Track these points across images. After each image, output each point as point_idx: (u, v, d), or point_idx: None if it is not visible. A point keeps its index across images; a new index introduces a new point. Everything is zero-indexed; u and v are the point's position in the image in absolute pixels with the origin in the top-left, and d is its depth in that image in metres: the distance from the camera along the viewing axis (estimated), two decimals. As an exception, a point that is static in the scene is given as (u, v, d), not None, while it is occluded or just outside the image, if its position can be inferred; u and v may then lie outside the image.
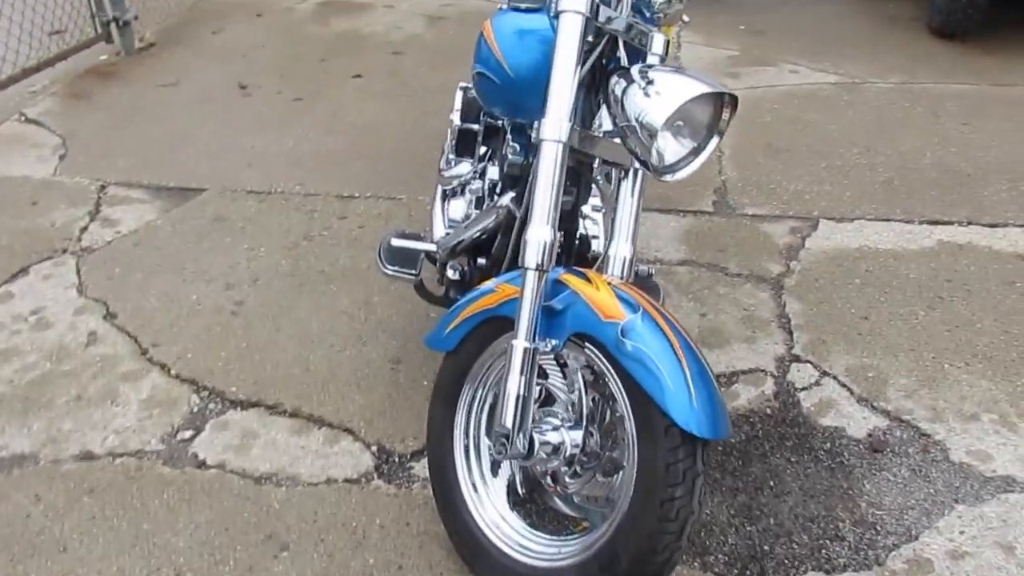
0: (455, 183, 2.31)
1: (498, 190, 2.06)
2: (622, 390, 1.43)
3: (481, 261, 2.04)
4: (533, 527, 1.68)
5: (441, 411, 1.73)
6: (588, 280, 1.49)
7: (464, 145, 2.09)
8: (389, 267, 2.06)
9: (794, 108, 3.73)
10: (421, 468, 1.95)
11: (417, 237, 2.23)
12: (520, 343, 1.48)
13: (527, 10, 1.77)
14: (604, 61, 1.62)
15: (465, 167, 2.26)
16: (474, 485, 1.68)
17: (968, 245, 2.72)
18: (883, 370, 2.19)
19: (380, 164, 3.36)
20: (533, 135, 1.69)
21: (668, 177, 1.52)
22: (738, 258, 2.69)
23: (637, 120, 1.46)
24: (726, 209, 2.96)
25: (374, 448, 2.01)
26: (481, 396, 1.71)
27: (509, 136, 1.86)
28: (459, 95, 2.07)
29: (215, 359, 2.30)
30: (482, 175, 2.22)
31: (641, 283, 1.96)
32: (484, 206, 2.09)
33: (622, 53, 1.58)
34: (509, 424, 1.49)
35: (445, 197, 2.38)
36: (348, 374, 2.24)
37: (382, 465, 1.97)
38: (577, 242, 1.93)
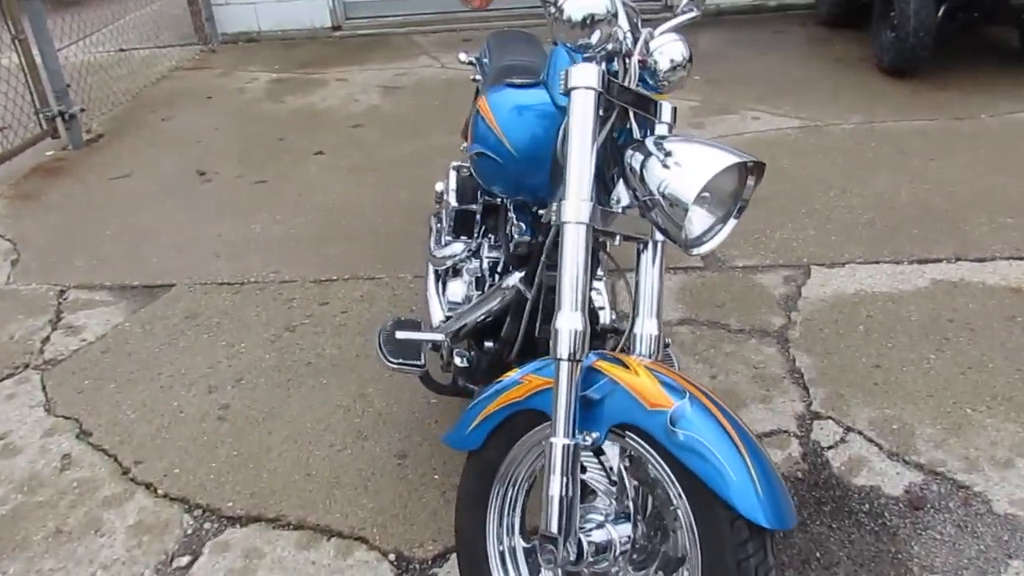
0: (449, 263, 2.21)
1: (499, 270, 1.98)
2: (675, 482, 1.33)
3: (488, 344, 1.95)
4: None
5: (469, 516, 1.60)
6: (625, 365, 1.40)
7: (462, 226, 2.00)
8: (392, 360, 1.94)
9: (764, 154, 3.73)
10: (447, 573, 1.81)
11: (415, 325, 2.12)
12: (559, 440, 1.37)
13: (522, 85, 1.71)
14: (615, 134, 1.56)
15: (458, 247, 2.18)
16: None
17: (961, 282, 2.71)
18: (907, 421, 2.13)
19: (355, 244, 3.25)
20: (545, 214, 1.63)
21: (695, 250, 1.45)
22: (737, 313, 2.63)
23: (663, 194, 1.39)
24: (716, 263, 2.92)
25: (392, 556, 1.86)
26: (512, 496, 1.59)
27: (512, 215, 1.79)
28: (452, 175, 2.00)
29: (206, 472, 2.14)
30: (477, 254, 2.14)
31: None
32: (486, 287, 2.00)
33: (633, 125, 1.52)
34: (555, 529, 1.37)
35: (439, 278, 2.29)
36: (353, 475, 2.10)
37: (403, 574, 1.82)
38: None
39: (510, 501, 1.59)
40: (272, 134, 4.47)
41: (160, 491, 2.08)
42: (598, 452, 1.52)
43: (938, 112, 4.08)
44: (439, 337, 1.89)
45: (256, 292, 2.97)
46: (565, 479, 1.36)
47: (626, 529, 1.45)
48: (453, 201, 1.97)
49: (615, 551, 1.42)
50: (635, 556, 1.44)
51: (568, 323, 1.38)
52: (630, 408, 1.35)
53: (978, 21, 4.50)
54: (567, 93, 1.44)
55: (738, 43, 5.54)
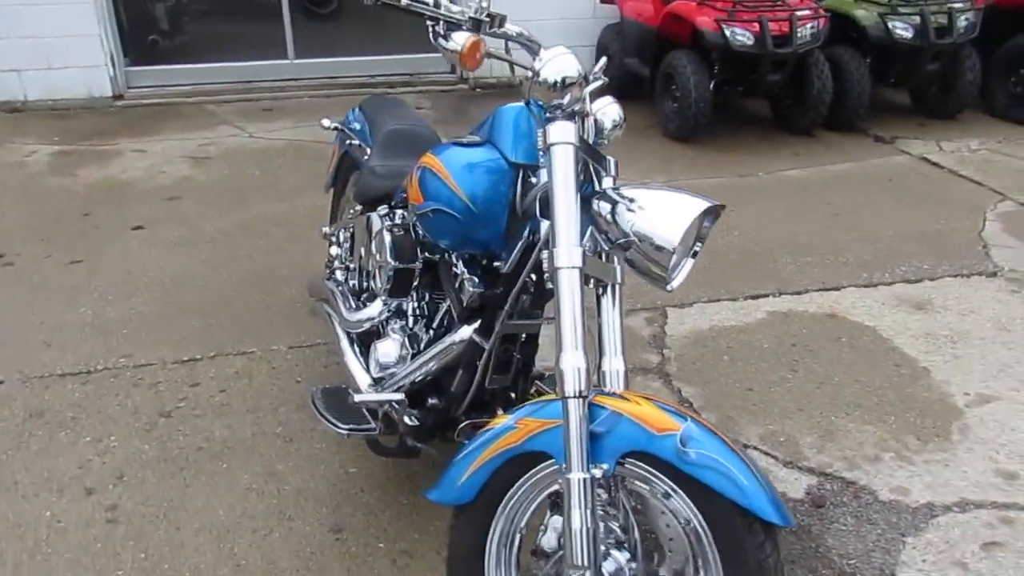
0: (367, 326, 2.18)
1: (435, 325, 1.98)
2: (687, 500, 1.43)
3: (432, 402, 1.94)
4: None
5: (468, 572, 1.58)
6: (624, 398, 1.50)
7: (400, 285, 1.99)
8: (343, 426, 1.87)
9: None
10: (421, 642, 1.75)
11: (342, 391, 2.07)
12: (576, 475, 1.42)
13: (469, 144, 1.78)
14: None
15: (377, 308, 2.15)
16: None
17: (790, 312, 3.14)
18: (789, 433, 2.42)
19: (210, 319, 3.05)
20: (505, 265, 1.71)
21: (670, 286, 1.60)
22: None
23: (643, 237, 1.52)
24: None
25: (359, 635, 1.77)
26: (509, 542, 1.59)
27: (462, 269, 1.82)
28: (387, 236, 1.98)
29: (113, 582, 1.89)
30: (400, 313, 2.13)
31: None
32: (421, 344, 2.00)
33: (593, 176, 1.65)
34: (583, 561, 1.41)
35: (353, 342, 2.24)
36: (290, 558, 1.96)
37: (377, 652, 1.74)
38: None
39: (507, 548, 1.60)
40: (73, 210, 4.05)
41: (62, 612, 1.81)
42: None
43: (724, 171, 4.69)
44: (397, 397, 1.86)
45: (110, 380, 2.67)
46: (587, 511, 1.41)
47: (626, 555, 1.52)
48: (390, 260, 1.96)
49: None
50: (643, 579, 1.52)
51: (572, 362, 1.45)
52: (638, 436, 1.44)
53: (739, 94, 5.26)
54: (546, 149, 1.54)
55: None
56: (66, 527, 2.05)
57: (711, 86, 4.90)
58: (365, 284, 2.50)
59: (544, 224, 1.63)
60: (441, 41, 1.56)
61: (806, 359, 2.81)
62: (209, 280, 3.35)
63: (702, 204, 1.53)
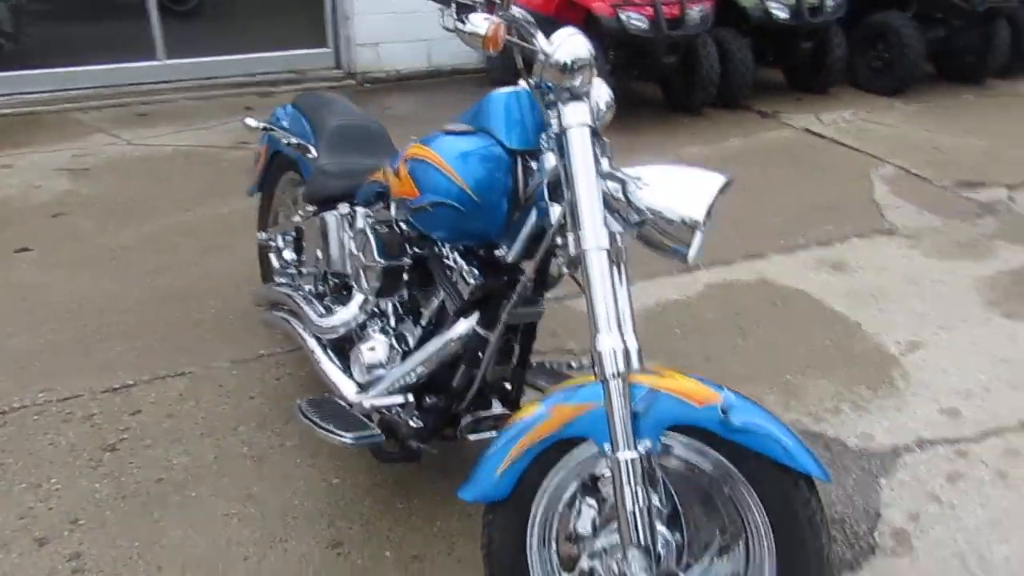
0: (343, 331, 2.08)
1: (425, 323, 1.91)
2: (732, 467, 1.46)
3: (432, 400, 1.88)
4: None
5: (510, 568, 1.54)
6: (659, 374, 1.50)
7: (390, 285, 1.90)
8: (347, 435, 1.77)
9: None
10: (453, 648, 1.70)
11: (329, 400, 1.97)
12: (625, 455, 1.41)
13: (461, 133, 1.72)
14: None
15: (352, 310, 2.06)
16: (579, 631, 1.53)
17: (726, 283, 3.26)
18: (754, 395, 2.48)
19: (135, 341, 2.81)
20: (509, 254, 1.67)
21: (691, 259, 1.61)
22: (572, 338, 2.85)
23: (665, 215, 1.53)
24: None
25: (388, 650, 1.69)
26: (549, 532, 1.57)
27: (460, 262, 1.76)
28: (371, 235, 1.88)
29: (101, 634, 1.71)
30: (378, 313, 2.05)
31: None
32: (412, 343, 1.92)
33: (600, 157, 1.64)
34: (641, 539, 1.41)
35: (326, 349, 2.13)
36: (292, 582, 1.85)
37: (410, 664, 1.67)
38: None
39: (547, 536, 1.57)
40: (-60, 237, 3.63)
41: (47, 676, 1.62)
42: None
43: (627, 153, 4.75)
44: (405, 399, 1.78)
45: (32, 418, 2.41)
46: (640, 489, 1.41)
47: (672, 531, 1.53)
48: (378, 259, 1.86)
49: (675, 551, 1.50)
50: (687, 553, 1.53)
51: (609, 343, 1.44)
52: (680, 410, 1.45)
53: (633, 78, 5.40)
54: (562, 132, 1.51)
55: (445, 105, 5.85)
56: (27, 583, 1.84)
57: (608, 72, 5.01)
58: (321, 288, 2.39)
59: (554, 209, 1.60)
60: (459, 25, 1.50)
61: (751, 325, 2.94)
62: (124, 301, 3.09)
63: (720, 179, 1.55)
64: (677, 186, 1.55)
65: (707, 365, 2.67)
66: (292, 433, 2.34)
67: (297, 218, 2.50)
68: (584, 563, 1.57)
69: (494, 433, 1.92)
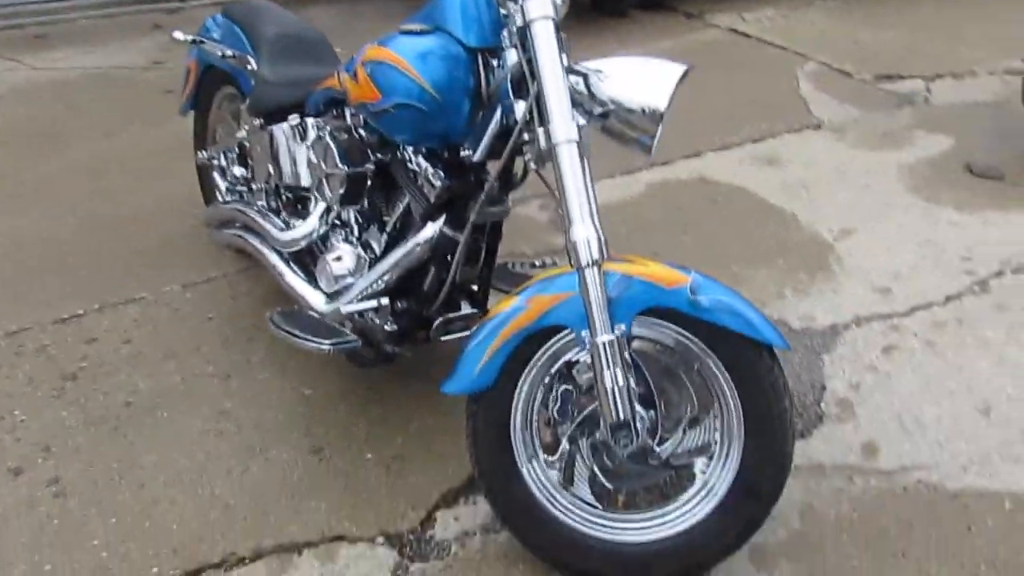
0: (305, 243, 2.07)
1: (390, 229, 1.92)
2: (699, 344, 1.55)
3: (403, 304, 1.91)
4: (639, 507, 1.72)
5: (495, 456, 1.62)
6: (630, 261, 1.57)
7: (354, 192, 1.89)
8: (325, 342, 1.80)
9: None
10: (443, 530, 1.78)
11: (296, 313, 1.98)
12: (603, 338, 1.49)
13: (420, 33, 1.70)
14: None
15: (313, 222, 2.05)
16: (567, 508, 1.63)
17: (666, 182, 3.34)
18: (702, 287, 2.63)
19: (79, 272, 2.73)
20: (476, 153, 1.69)
21: (653, 151, 1.66)
22: (523, 242, 2.90)
23: (627, 106, 1.57)
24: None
25: (380, 540, 1.76)
26: (532, 419, 1.65)
27: (424, 165, 1.77)
28: (332, 143, 1.85)
29: (88, 556, 1.73)
30: (339, 223, 2.05)
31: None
32: (379, 249, 1.94)
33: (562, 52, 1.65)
34: (622, 417, 1.50)
35: (289, 262, 2.13)
36: (279, 487, 1.89)
37: (404, 550, 1.74)
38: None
39: (529, 423, 1.65)
40: None
41: (46, 595, 1.64)
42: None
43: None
44: (381, 302, 1.81)
45: (-18, 353, 2.35)
46: (619, 370, 1.50)
47: (647, 409, 1.62)
48: (341, 166, 1.84)
49: (650, 427, 1.60)
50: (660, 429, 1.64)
51: (583, 232, 1.51)
52: (652, 293, 1.53)
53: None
54: (526, 26, 1.52)
55: (369, 15, 5.65)
56: (5, 514, 1.83)
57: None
58: (274, 203, 2.36)
59: (519, 105, 1.62)
60: None
61: (693, 222, 3.04)
62: (59, 233, 2.98)
63: (679, 68, 1.59)
64: (638, 77, 1.59)
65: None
66: (257, 349, 2.34)
67: (241, 133, 2.44)
68: (564, 445, 1.67)
69: (466, 333, 1.99)
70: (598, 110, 1.61)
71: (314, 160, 1.92)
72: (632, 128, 1.61)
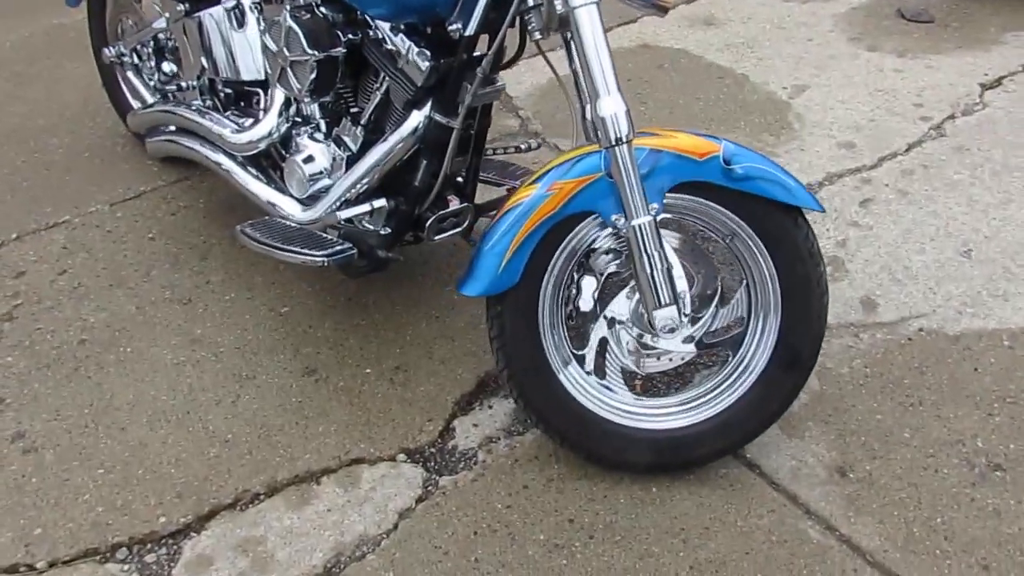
0: (264, 144, 1.84)
1: (366, 121, 1.71)
2: (733, 215, 1.47)
3: (392, 204, 1.74)
4: (686, 388, 1.68)
5: (527, 358, 1.52)
6: (655, 134, 1.45)
7: (325, 80, 1.65)
8: (319, 254, 1.62)
9: None
10: (465, 439, 1.70)
11: (273, 222, 1.78)
12: (640, 220, 1.39)
13: None
14: None
15: (272, 119, 1.82)
16: (604, 403, 1.57)
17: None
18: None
19: (-21, 199, 2.39)
20: (462, 26, 1.49)
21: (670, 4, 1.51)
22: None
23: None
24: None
25: (402, 458, 1.66)
26: (558, 310, 1.55)
27: (407, 44, 1.56)
28: (295, 26, 1.58)
29: (82, 511, 1.56)
30: (304, 118, 1.82)
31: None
32: (356, 144, 1.73)
33: None
34: (668, 298, 1.43)
35: (247, 166, 1.90)
36: (278, 414, 1.74)
37: (429, 464, 1.65)
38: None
39: (559, 318, 1.56)
40: None
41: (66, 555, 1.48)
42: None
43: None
44: (379, 203, 1.64)
45: None
46: (658, 252, 1.41)
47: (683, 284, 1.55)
48: (310, 51, 1.59)
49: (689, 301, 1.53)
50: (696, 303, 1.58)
51: (612, 107, 1.37)
52: (683, 167, 1.43)
53: None
54: None
55: None
56: (-27, 478, 1.63)
57: None
58: (209, 101, 2.08)
59: (514, -33, 1.43)
60: None
61: (647, 89, 2.92)
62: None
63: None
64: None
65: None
66: (215, 268, 2.13)
67: (160, 23, 2.11)
68: (594, 337, 1.60)
69: (459, 229, 1.85)
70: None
71: (272, 47, 1.67)
72: (646, -14, 1.46)
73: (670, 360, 1.63)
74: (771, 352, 1.54)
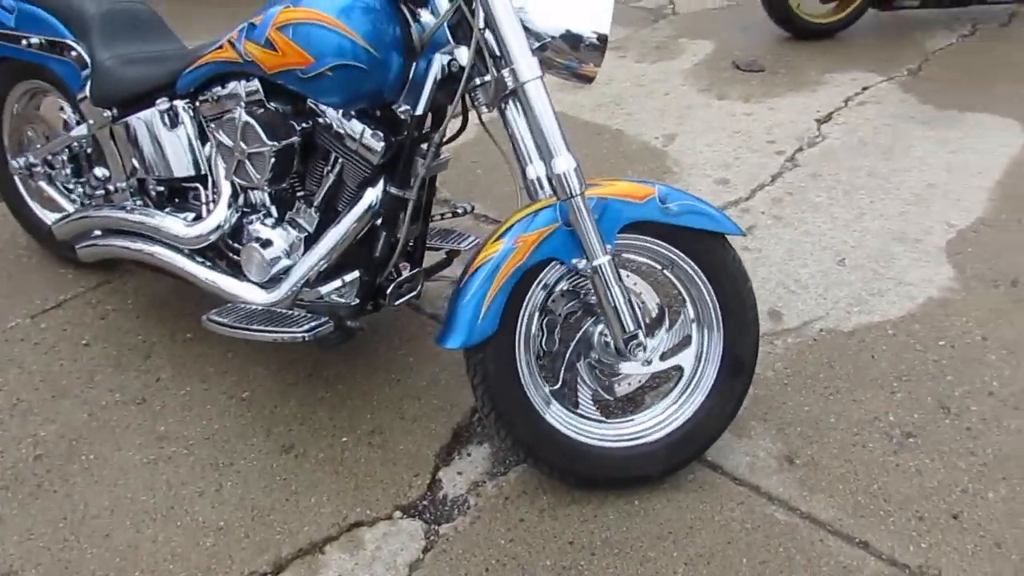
0: (216, 236, 1.89)
1: (319, 203, 1.81)
2: (671, 247, 1.69)
3: (354, 276, 1.83)
4: (642, 408, 1.86)
5: (511, 400, 1.66)
6: (597, 184, 1.65)
7: (283, 169, 1.73)
8: (300, 330, 1.68)
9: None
10: (453, 487, 1.79)
11: (236, 309, 1.83)
12: (602, 260, 1.58)
13: (338, -12, 1.61)
14: None
15: (222, 211, 1.88)
16: (580, 432, 1.72)
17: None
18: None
19: None
20: (416, 106, 1.65)
21: (596, 78, 1.72)
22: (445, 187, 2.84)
23: (572, 37, 1.61)
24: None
25: (398, 515, 1.73)
26: (530, 351, 1.70)
27: (359, 128, 1.68)
28: (251, 120, 1.65)
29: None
30: (253, 207, 1.89)
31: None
32: (312, 224, 1.82)
33: None
34: (635, 326, 1.62)
35: (197, 257, 1.93)
36: (267, 496, 1.76)
37: (425, 516, 1.73)
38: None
39: (533, 357, 1.70)
40: None
41: None
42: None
43: None
44: (337, 283, 1.74)
45: None
46: (619, 286, 1.60)
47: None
48: (268, 142, 1.67)
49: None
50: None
51: (565, 164, 1.57)
52: (627, 209, 1.65)
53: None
54: (470, -33, 1.50)
55: None
56: (-48, 612, 1.54)
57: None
58: (139, 201, 2.10)
59: (461, 51, 1.61)
60: None
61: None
62: None
63: (611, -9, 1.67)
64: (571, 5, 1.64)
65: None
66: (163, 365, 2.12)
67: (80, 130, 2.12)
68: (563, 372, 1.75)
69: (413, 294, 1.96)
70: (534, 44, 1.64)
71: (227, 142, 1.74)
72: (571, 58, 1.67)
73: (629, 384, 1.83)
74: (719, 362, 1.76)
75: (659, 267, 1.75)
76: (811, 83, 3.72)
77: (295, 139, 1.73)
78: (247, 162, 1.74)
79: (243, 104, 1.73)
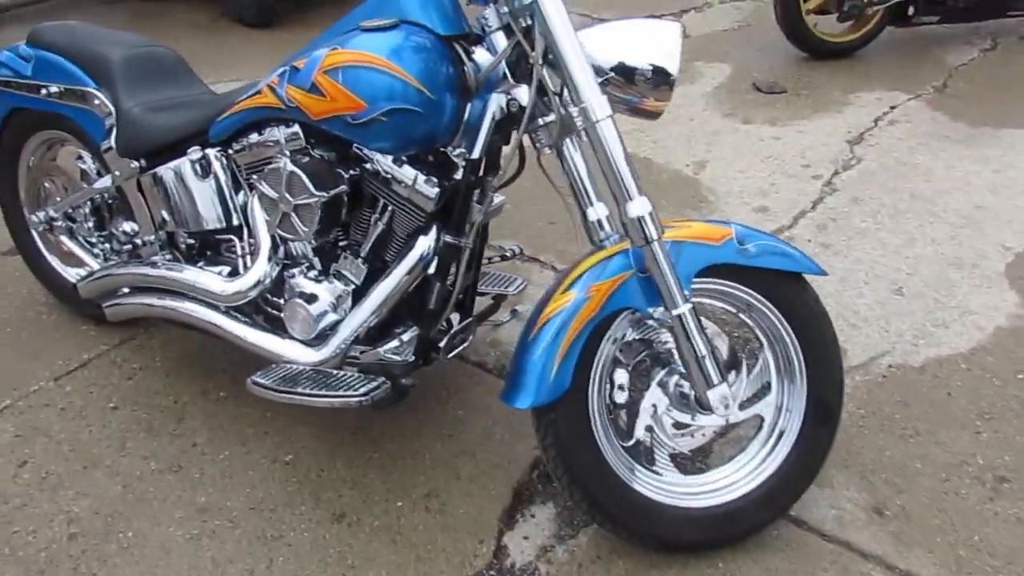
0: (256, 292, 1.77)
1: (365, 253, 1.70)
2: (750, 290, 1.58)
3: (406, 331, 1.72)
4: (723, 461, 1.74)
5: (586, 461, 1.54)
6: (673, 226, 1.54)
7: (330, 220, 1.62)
8: (355, 394, 1.56)
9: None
10: (520, 554, 1.66)
11: (281, 370, 1.71)
12: (683, 309, 1.47)
13: (384, 29, 1.51)
14: None
15: (260, 268, 1.76)
16: (660, 492, 1.60)
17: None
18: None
19: None
20: (476, 149, 1.56)
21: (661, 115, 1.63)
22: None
23: (638, 74, 1.52)
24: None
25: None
26: (606, 408, 1.58)
27: (411, 174, 1.57)
28: (298, 170, 1.54)
29: None
30: (291, 259, 1.78)
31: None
32: (360, 277, 1.70)
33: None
34: (718, 378, 1.51)
35: (234, 315, 1.82)
36: (320, 570, 1.63)
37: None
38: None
39: (608, 415, 1.59)
40: None
41: None
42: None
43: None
44: (410, 334, 1.62)
45: None
46: (701, 336, 1.49)
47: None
48: (317, 193, 1.56)
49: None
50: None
51: (640, 208, 1.46)
52: (704, 253, 1.54)
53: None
54: (534, 2, 1.41)
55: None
56: None
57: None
58: (169, 256, 1.99)
59: (521, 90, 1.51)
60: None
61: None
62: None
63: (675, 26, 1.57)
64: (639, 40, 1.55)
65: (552, 229, 2.75)
66: (197, 428, 1.99)
67: (104, 182, 2.01)
68: (639, 430, 1.63)
69: (465, 345, 1.85)
70: (597, 79, 1.54)
71: (271, 194, 1.63)
72: (633, 92, 1.57)
73: (703, 435, 1.71)
74: (803, 411, 1.65)
75: (735, 311, 1.65)
76: (836, 103, 3.64)
77: (343, 188, 1.62)
78: (293, 214, 1.62)
79: (286, 152, 1.62)
